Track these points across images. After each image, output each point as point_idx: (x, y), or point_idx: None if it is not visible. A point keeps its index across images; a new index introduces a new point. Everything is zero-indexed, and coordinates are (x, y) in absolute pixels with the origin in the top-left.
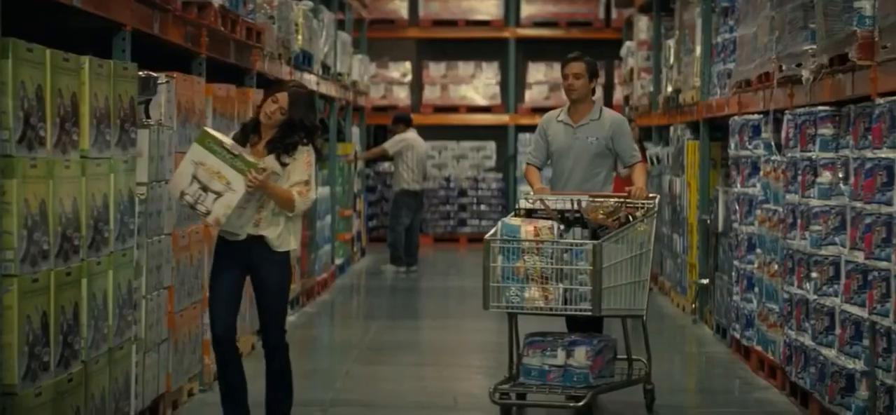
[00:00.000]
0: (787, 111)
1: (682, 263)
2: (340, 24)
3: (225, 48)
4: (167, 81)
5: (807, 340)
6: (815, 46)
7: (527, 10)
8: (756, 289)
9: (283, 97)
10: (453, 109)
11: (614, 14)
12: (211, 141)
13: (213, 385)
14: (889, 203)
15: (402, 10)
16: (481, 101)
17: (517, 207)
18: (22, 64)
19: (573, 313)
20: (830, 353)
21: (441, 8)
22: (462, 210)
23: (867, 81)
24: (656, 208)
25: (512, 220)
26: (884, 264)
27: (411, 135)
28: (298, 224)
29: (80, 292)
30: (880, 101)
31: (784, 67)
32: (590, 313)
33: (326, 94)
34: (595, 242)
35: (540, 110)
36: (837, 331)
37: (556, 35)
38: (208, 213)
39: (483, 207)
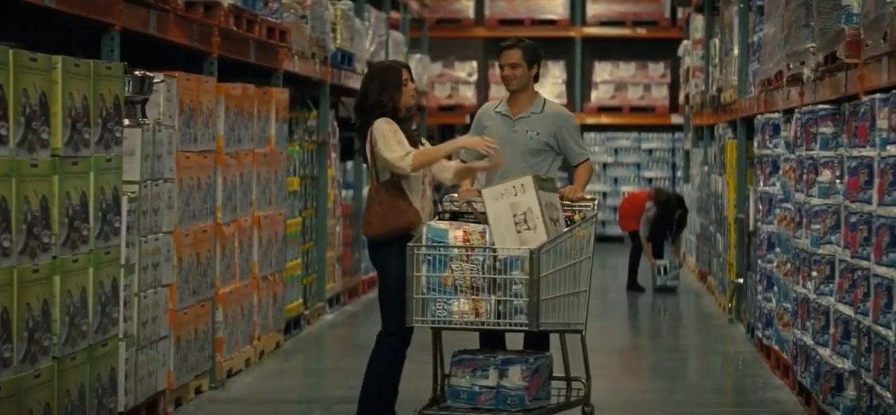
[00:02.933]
0: (795, 110)
1: (722, 263)
2: (396, 24)
3: (243, 48)
4: (164, 80)
5: (808, 339)
6: (815, 44)
7: (593, 10)
8: (775, 288)
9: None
10: None
11: (679, 13)
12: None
13: (224, 383)
14: (869, 202)
15: (468, 10)
16: None
17: (440, 209)
18: None
19: (506, 328)
20: (825, 352)
21: (507, 7)
22: None
23: (856, 79)
24: (596, 212)
25: (439, 223)
26: (865, 264)
27: None
28: None
29: (52, 289)
30: (865, 99)
31: (791, 66)
32: (527, 329)
33: None
34: (532, 248)
35: (606, 110)
36: (831, 330)
37: (622, 34)
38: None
39: None
